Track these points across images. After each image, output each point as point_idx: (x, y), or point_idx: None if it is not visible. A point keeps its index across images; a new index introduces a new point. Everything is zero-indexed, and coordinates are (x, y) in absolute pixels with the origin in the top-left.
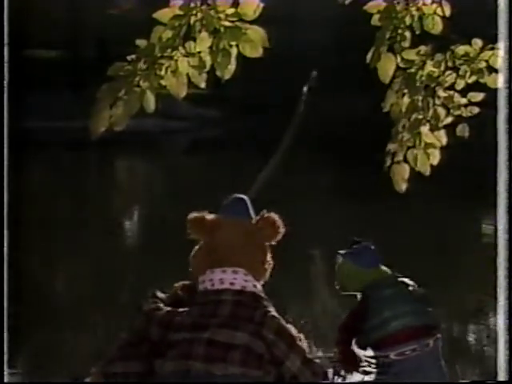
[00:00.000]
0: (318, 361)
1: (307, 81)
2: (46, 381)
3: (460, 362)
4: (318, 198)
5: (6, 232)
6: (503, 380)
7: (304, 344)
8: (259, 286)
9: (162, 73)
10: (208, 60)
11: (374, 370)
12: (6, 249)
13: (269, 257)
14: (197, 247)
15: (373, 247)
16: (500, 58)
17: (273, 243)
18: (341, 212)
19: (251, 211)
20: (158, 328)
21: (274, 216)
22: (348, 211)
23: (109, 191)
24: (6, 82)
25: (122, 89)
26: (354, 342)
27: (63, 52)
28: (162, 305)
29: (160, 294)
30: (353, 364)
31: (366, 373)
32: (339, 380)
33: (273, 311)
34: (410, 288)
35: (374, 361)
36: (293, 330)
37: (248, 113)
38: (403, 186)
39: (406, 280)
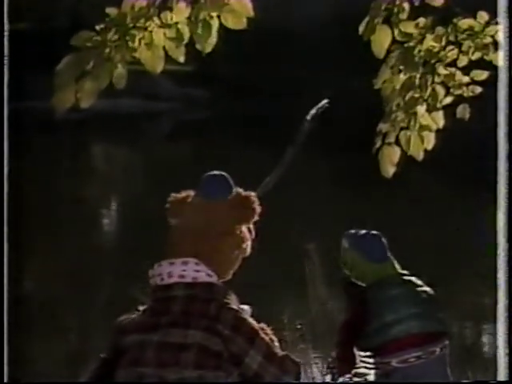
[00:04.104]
0: (291, 356)
1: (315, 108)
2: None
3: (460, 362)
4: (313, 188)
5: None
6: (503, 380)
7: (271, 338)
8: (215, 276)
9: (135, 45)
10: (186, 32)
11: (370, 374)
12: (6, 249)
13: (240, 242)
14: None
15: (382, 238)
16: (501, 34)
17: (250, 225)
18: (338, 203)
19: (230, 189)
20: (120, 336)
21: (248, 194)
22: (345, 201)
23: (83, 180)
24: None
25: (89, 61)
26: (355, 344)
27: (33, 23)
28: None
29: (142, 307)
30: (349, 367)
31: (360, 375)
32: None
33: (231, 303)
34: (418, 289)
35: (373, 366)
36: (254, 323)
37: (239, 93)
38: (391, 171)
39: (414, 279)
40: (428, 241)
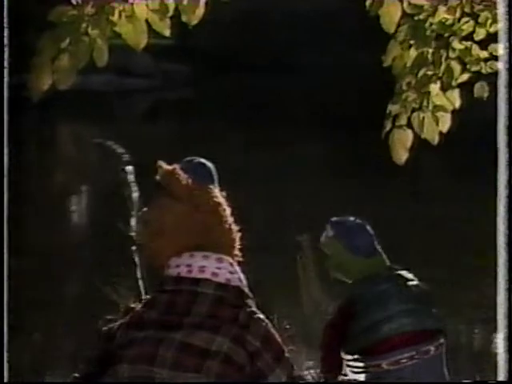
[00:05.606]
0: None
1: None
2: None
3: (459, 362)
4: (306, 174)
5: None
6: (503, 380)
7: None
8: (245, 280)
9: (115, 18)
10: (171, 3)
11: (357, 379)
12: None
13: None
14: (163, 206)
15: (370, 230)
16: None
17: None
18: (333, 191)
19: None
20: (107, 340)
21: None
22: (341, 189)
23: (49, 166)
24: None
25: (65, 38)
26: (341, 346)
27: None
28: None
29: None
30: (334, 372)
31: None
32: None
33: (259, 313)
34: (409, 283)
35: (362, 370)
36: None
37: (223, 69)
38: (403, 157)
39: (405, 273)
40: (429, 240)
